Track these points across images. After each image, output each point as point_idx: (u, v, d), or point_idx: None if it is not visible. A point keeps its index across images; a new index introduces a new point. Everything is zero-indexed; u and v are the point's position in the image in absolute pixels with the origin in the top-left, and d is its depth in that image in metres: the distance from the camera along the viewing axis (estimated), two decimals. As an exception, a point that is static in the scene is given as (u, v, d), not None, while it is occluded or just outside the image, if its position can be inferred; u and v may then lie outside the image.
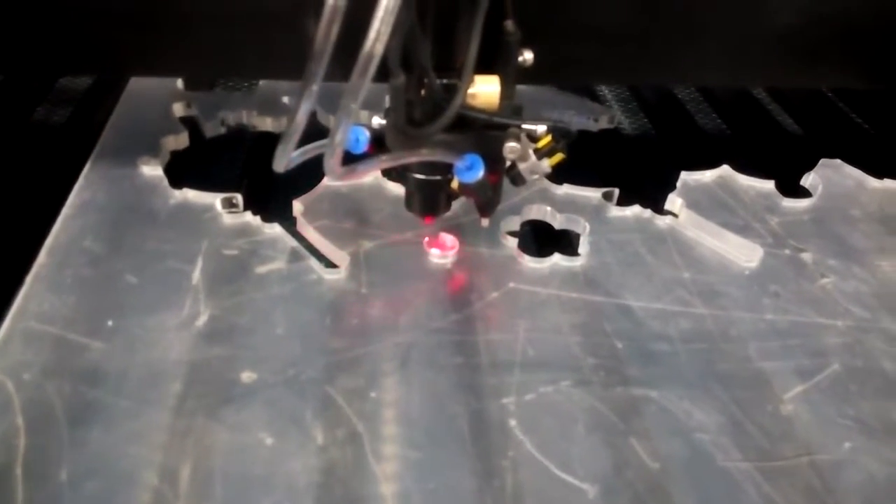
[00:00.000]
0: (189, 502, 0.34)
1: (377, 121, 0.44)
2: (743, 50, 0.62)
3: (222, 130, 0.63)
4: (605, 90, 0.84)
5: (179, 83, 0.67)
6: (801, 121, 0.79)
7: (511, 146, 0.43)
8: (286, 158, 0.38)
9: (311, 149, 0.40)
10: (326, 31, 0.32)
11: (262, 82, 0.69)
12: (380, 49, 0.33)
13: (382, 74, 0.38)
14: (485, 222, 0.50)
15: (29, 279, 0.44)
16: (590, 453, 0.37)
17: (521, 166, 0.45)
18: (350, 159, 0.40)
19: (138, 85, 0.66)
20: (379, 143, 0.44)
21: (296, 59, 0.54)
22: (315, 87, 0.34)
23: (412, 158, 0.43)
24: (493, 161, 0.44)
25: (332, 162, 0.37)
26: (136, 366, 0.40)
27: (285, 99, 0.66)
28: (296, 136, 0.36)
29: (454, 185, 0.47)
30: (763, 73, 0.66)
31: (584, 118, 0.68)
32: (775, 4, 0.58)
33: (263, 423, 0.37)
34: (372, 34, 0.32)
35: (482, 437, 0.37)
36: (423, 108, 0.42)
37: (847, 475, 0.37)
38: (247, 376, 0.40)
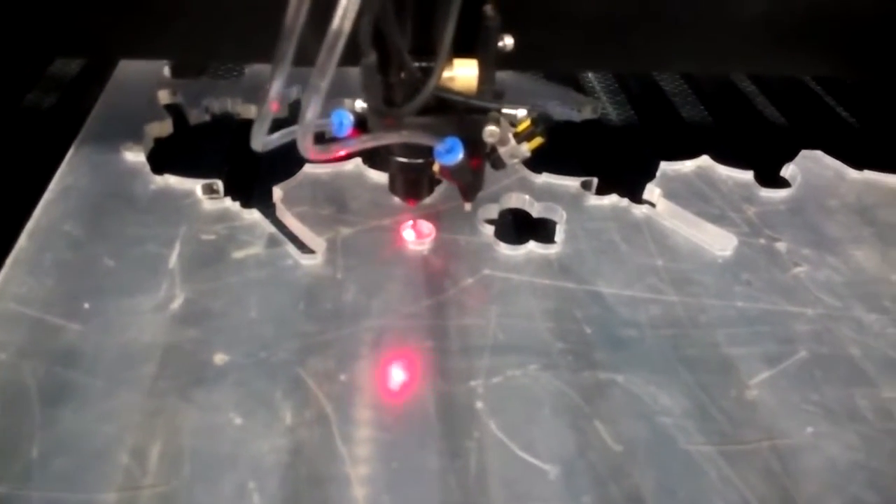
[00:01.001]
0: (157, 479, 0.34)
1: (360, 104, 0.45)
2: (724, 37, 0.62)
3: (207, 118, 0.64)
4: (592, 79, 0.85)
5: (166, 70, 0.67)
6: (786, 111, 0.79)
7: (490, 130, 0.44)
8: (262, 136, 0.38)
9: (291, 131, 0.40)
10: (296, 9, 0.33)
11: (247, 70, 0.69)
12: (347, 26, 0.33)
13: (358, 57, 0.39)
14: (467, 206, 0.50)
15: (9, 262, 0.45)
16: (554, 435, 0.38)
17: (501, 150, 0.46)
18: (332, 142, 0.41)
19: (125, 72, 0.67)
20: (362, 126, 0.44)
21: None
22: (286, 66, 0.34)
23: (389, 140, 0.43)
24: (474, 145, 0.44)
25: (305, 142, 0.38)
26: (110, 347, 0.40)
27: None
28: (269, 115, 0.37)
29: (436, 168, 0.47)
30: (746, 60, 0.66)
31: (568, 108, 0.69)
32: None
33: (233, 403, 0.38)
34: (339, 11, 0.33)
35: (449, 418, 0.38)
36: (401, 90, 0.42)
37: (807, 459, 0.38)
38: (219, 358, 0.40)
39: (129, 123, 0.59)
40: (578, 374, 0.41)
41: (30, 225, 0.48)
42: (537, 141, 0.45)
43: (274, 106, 0.37)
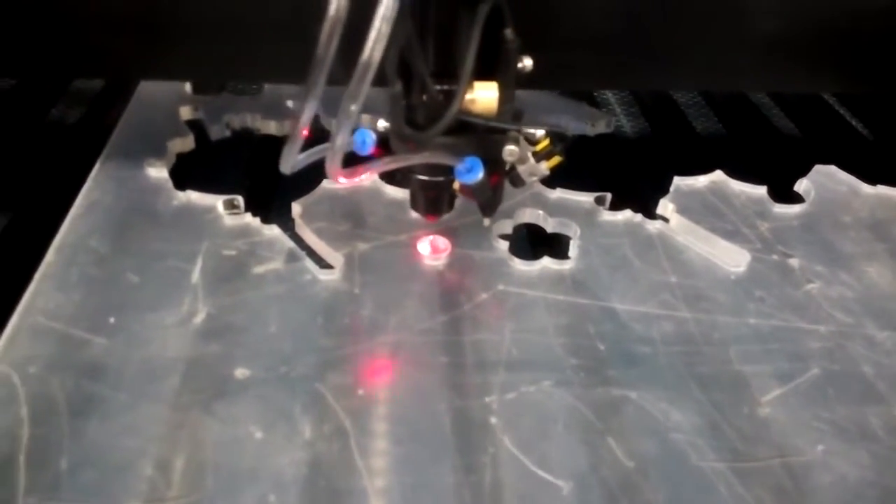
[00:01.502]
0: (181, 492, 0.35)
1: (382, 124, 0.46)
2: (740, 55, 0.63)
3: (227, 134, 0.65)
4: (606, 92, 0.85)
5: (187, 87, 0.68)
6: (800, 124, 0.79)
7: (510, 149, 0.45)
8: (292, 160, 0.40)
9: (317, 151, 0.42)
10: (328, 39, 0.34)
11: (266, 86, 0.70)
12: (377, 56, 0.35)
13: (383, 79, 0.40)
14: (486, 222, 0.51)
15: (37, 276, 0.47)
16: (567, 451, 0.38)
17: (520, 168, 0.47)
18: (356, 161, 0.42)
19: (147, 88, 0.68)
20: (384, 145, 0.46)
21: (299, 64, 0.56)
22: (317, 92, 0.36)
23: (412, 161, 0.45)
24: (494, 163, 0.46)
25: (333, 166, 0.39)
26: (135, 361, 0.42)
27: (289, 103, 0.67)
28: (300, 138, 0.39)
29: (456, 185, 0.49)
30: (760, 78, 0.66)
31: (581, 123, 0.69)
32: (772, 9, 0.59)
33: (254, 417, 0.39)
34: (370, 42, 0.34)
35: (463, 434, 0.39)
36: (424, 112, 0.44)
37: (818, 477, 0.38)
38: (240, 372, 0.41)
39: (152, 139, 0.60)
40: (591, 391, 0.41)
41: (57, 240, 0.49)
42: (556, 159, 0.47)
43: (304, 132, 0.38)
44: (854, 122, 0.79)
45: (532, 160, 0.47)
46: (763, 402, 0.42)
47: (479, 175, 0.44)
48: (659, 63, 0.63)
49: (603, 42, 0.60)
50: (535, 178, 0.48)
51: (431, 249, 0.51)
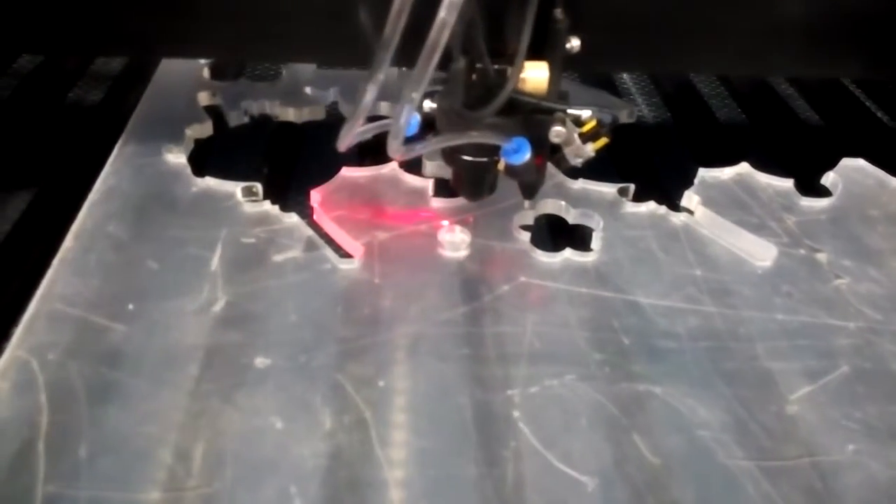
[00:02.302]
0: (201, 481, 0.35)
1: (428, 104, 0.46)
2: (762, 39, 0.61)
3: (245, 120, 0.65)
4: (627, 80, 0.84)
5: (205, 72, 0.68)
6: (823, 113, 0.78)
7: (557, 130, 0.45)
8: (349, 140, 0.41)
9: (371, 128, 0.42)
10: (395, 20, 0.35)
11: (284, 72, 0.70)
12: (444, 38, 0.35)
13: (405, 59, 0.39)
14: (527, 203, 0.52)
15: (55, 262, 0.46)
16: (591, 447, 0.38)
17: (566, 150, 0.47)
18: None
19: (165, 73, 0.68)
20: (429, 125, 0.46)
21: (320, 43, 0.55)
22: (381, 75, 0.36)
23: (462, 140, 0.44)
24: (539, 144, 0.45)
25: (396, 143, 0.40)
26: (154, 349, 0.41)
27: (308, 89, 0.67)
28: (361, 118, 0.39)
29: (500, 166, 0.48)
30: (783, 63, 0.65)
31: (603, 113, 0.68)
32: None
33: (274, 407, 0.39)
34: (437, 24, 0.34)
35: (485, 427, 0.38)
36: (474, 91, 0.44)
37: (848, 477, 0.37)
38: (260, 361, 0.41)
39: (170, 125, 0.60)
40: (616, 385, 0.41)
41: (75, 226, 0.49)
42: (602, 141, 0.47)
43: (363, 115, 0.39)
44: (876, 111, 0.77)
45: (578, 141, 0.47)
46: (791, 399, 0.41)
47: (527, 156, 0.44)
48: (681, 46, 0.62)
49: (623, 24, 0.59)
50: (580, 160, 0.48)
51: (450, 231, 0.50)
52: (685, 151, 0.69)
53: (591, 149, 0.47)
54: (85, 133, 0.67)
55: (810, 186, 0.59)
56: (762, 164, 0.60)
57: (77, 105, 0.73)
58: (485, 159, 0.47)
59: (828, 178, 0.60)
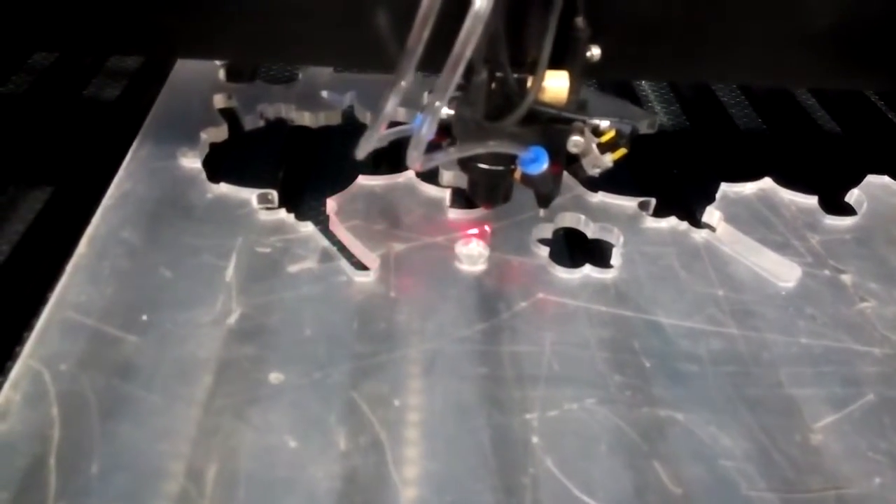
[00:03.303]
0: (213, 502, 0.34)
1: (444, 111, 0.45)
2: (784, 50, 0.60)
3: (261, 124, 0.64)
4: (646, 88, 0.83)
5: (221, 74, 0.67)
6: (845, 124, 0.77)
7: (575, 140, 0.45)
8: (370, 147, 0.41)
9: (389, 134, 0.43)
10: (420, 29, 0.35)
11: (301, 75, 0.69)
12: (470, 50, 0.35)
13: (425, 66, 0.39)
14: (542, 212, 0.51)
15: (69, 269, 0.46)
16: (611, 475, 0.37)
17: (584, 160, 0.47)
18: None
19: (181, 72, 0.67)
20: (446, 132, 0.46)
21: (337, 46, 0.54)
22: (404, 84, 0.36)
23: (482, 149, 0.44)
24: (556, 153, 0.45)
25: (416, 154, 0.40)
26: (167, 361, 0.41)
27: (324, 93, 0.66)
28: (382, 126, 0.39)
29: (516, 175, 0.48)
30: (805, 74, 0.64)
31: (623, 123, 0.67)
32: (818, 4, 0.56)
33: (288, 425, 0.38)
34: (462, 36, 0.34)
35: (503, 452, 0.37)
36: (493, 101, 0.44)
37: (875, 512, 0.36)
38: (274, 377, 0.40)
39: (185, 128, 0.59)
40: (637, 410, 0.40)
41: (89, 231, 0.49)
42: (621, 151, 0.47)
43: (385, 122, 0.39)
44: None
45: (596, 152, 0.46)
46: (815, 428, 0.40)
47: (545, 165, 0.44)
48: (701, 55, 0.61)
49: (644, 32, 0.58)
50: (598, 170, 0.47)
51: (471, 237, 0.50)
52: (705, 163, 0.68)
53: (609, 159, 0.47)
54: (101, 130, 0.66)
55: (834, 202, 0.58)
56: (784, 178, 0.59)
57: (93, 101, 0.72)
58: (501, 168, 0.47)
59: (852, 196, 0.58)
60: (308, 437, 0.37)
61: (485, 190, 0.50)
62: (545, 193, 0.49)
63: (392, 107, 0.38)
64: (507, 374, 0.41)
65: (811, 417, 0.40)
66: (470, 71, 0.42)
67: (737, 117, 0.79)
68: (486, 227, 0.51)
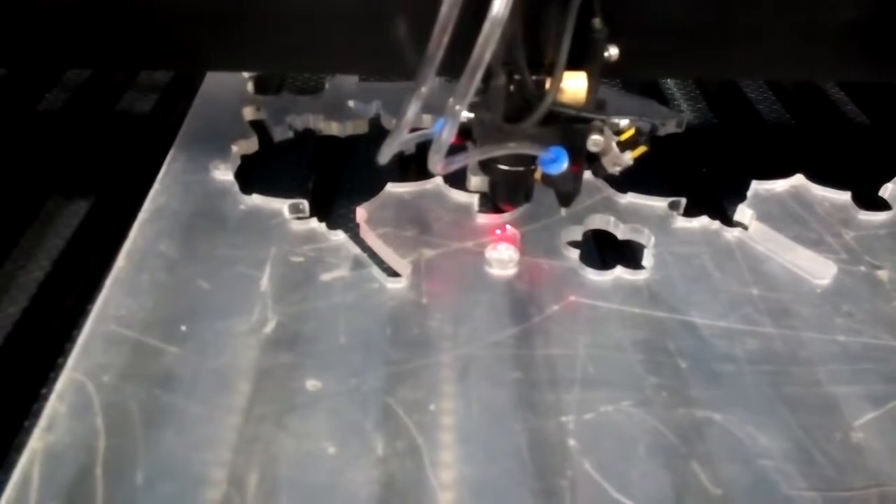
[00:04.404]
0: (256, 508, 0.35)
1: (464, 114, 0.45)
2: (811, 44, 0.59)
3: (290, 135, 0.65)
4: (672, 87, 0.83)
5: (249, 86, 0.68)
6: (874, 118, 0.76)
7: (595, 139, 0.45)
8: (392, 153, 0.41)
9: (411, 139, 0.43)
10: (439, 37, 0.35)
11: (327, 86, 0.70)
12: (488, 54, 0.35)
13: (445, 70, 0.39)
14: (563, 212, 0.52)
15: (108, 282, 0.47)
16: (650, 476, 0.37)
17: (604, 158, 0.47)
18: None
19: (211, 85, 0.68)
20: (466, 134, 0.46)
21: (359, 56, 0.54)
22: (424, 90, 0.37)
23: (502, 151, 0.45)
24: (576, 153, 0.45)
25: (437, 157, 0.40)
26: (207, 371, 0.41)
27: (351, 103, 0.67)
28: (403, 132, 0.40)
29: (537, 175, 0.48)
30: (830, 67, 0.63)
31: (650, 122, 0.67)
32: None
33: (327, 432, 0.38)
34: (481, 40, 0.35)
35: (540, 455, 0.38)
36: (512, 103, 0.44)
37: (920, 510, 0.36)
38: (311, 384, 0.41)
39: (216, 140, 0.60)
40: (673, 412, 0.40)
41: (127, 244, 0.50)
42: (640, 149, 0.46)
43: (406, 129, 0.39)
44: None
45: (616, 150, 0.46)
46: (856, 426, 0.40)
47: (564, 165, 0.44)
48: (726, 51, 0.60)
49: (668, 28, 0.58)
50: (618, 168, 0.47)
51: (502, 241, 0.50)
52: (735, 160, 0.68)
53: (629, 157, 0.46)
54: (135, 143, 0.68)
55: (868, 198, 0.58)
56: (816, 174, 0.58)
57: (126, 115, 0.74)
58: (521, 168, 0.48)
59: (886, 191, 0.58)
60: (346, 443, 0.38)
61: (505, 190, 0.51)
62: (566, 192, 0.49)
63: (413, 112, 0.38)
64: (542, 378, 0.42)
65: (851, 415, 0.40)
66: (489, 75, 0.43)
67: (764, 113, 0.78)
68: (516, 231, 0.51)
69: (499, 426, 0.39)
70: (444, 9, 0.34)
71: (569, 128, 0.45)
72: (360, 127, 0.65)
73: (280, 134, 0.64)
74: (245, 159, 0.61)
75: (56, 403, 0.39)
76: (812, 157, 0.67)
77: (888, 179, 0.58)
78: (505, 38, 0.38)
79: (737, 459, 0.38)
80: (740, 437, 0.39)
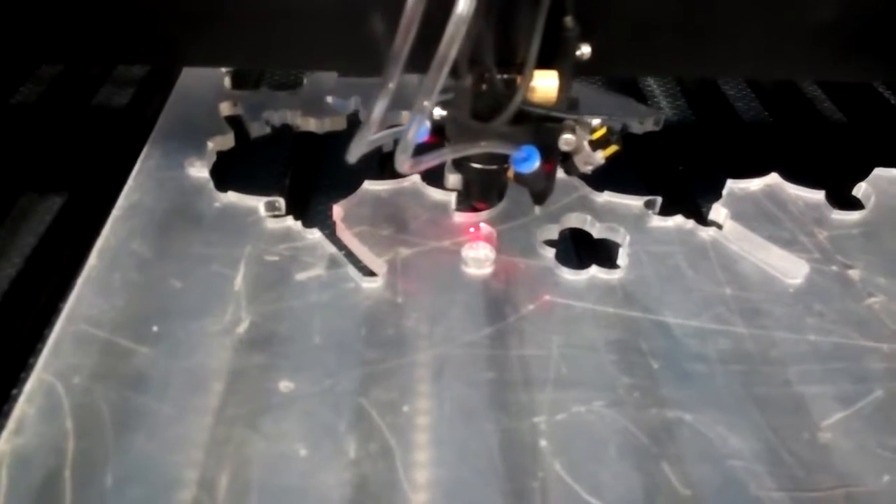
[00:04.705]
0: (226, 511, 0.35)
1: (438, 112, 0.46)
2: (788, 43, 0.60)
3: (267, 130, 0.64)
4: (651, 84, 0.83)
5: (226, 81, 0.68)
6: (851, 116, 0.76)
7: (566, 138, 0.45)
8: (360, 151, 0.41)
9: (378, 138, 0.42)
10: (405, 34, 0.35)
11: (305, 81, 0.69)
12: (453, 53, 0.35)
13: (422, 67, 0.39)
14: (537, 210, 0.52)
15: (80, 281, 0.46)
16: (620, 477, 0.37)
17: (576, 157, 0.47)
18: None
19: (187, 80, 0.67)
20: (439, 132, 0.46)
21: (338, 52, 0.54)
22: (391, 86, 0.37)
23: (473, 150, 0.45)
24: (548, 151, 0.46)
25: (404, 157, 0.40)
26: (179, 372, 0.41)
27: (329, 99, 0.66)
28: (371, 131, 0.39)
29: (509, 174, 0.48)
30: (809, 66, 0.63)
31: (629, 120, 0.67)
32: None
33: (299, 434, 0.38)
34: (446, 38, 0.34)
35: (512, 456, 0.38)
36: (483, 101, 0.44)
37: (885, 510, 0.36)
38: (284, 386, 0.41)
39: (192, 137, 0.59)
40: (645, 412, 0.40)
41: (99, 243, 0.49)
42: (612, 148, 0.47)
43: (374, 127, 0.39)
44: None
45: (588, 149, 0.47)
46: (824, 426, 0.40)
47: (536, 164, 0.45)
48: (703, 49, 0.60)
49: (647, 26, 0.58)
50: (590, 168, 0.48)
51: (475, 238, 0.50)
52: (712, 157, 0.68)
53: (601, 156, 0.47)
54: (111, 137, 0.67)
55: (841, 196, 0.58)
56: (792, 171, 0.59)
57: (102, 108, 0.73)
58: (494, 167, 0.48)
59: (860, 190, 0.58)
60: (318, 445, 0.38)
61: (479, 189, 0.51)
62: (539, 191, 0.50)
63: (380, 110, 0.38)
64: (515, 378, 0.42)
65: (819, 415, 0.40)
66: (456, 74, 0.43)
67: (742, 110, 0.79)
68: (492, 229, 0.51)
69: (472, 427, 0.39)
70: (410, 4, 0.34)
71: (540, 126, 0.45)
72: (338, 123, 0.65)
73: (257, 130, 0.64)
74: (221, 155, 0.60)
75: (25, 405, 0.39)
76: (789, 154, 0.68)
77: (863, 177, 0.59)
78: (472, 37, 0.38)
79: (707, 460, 0.38)
80: (710, 437, 0.39)
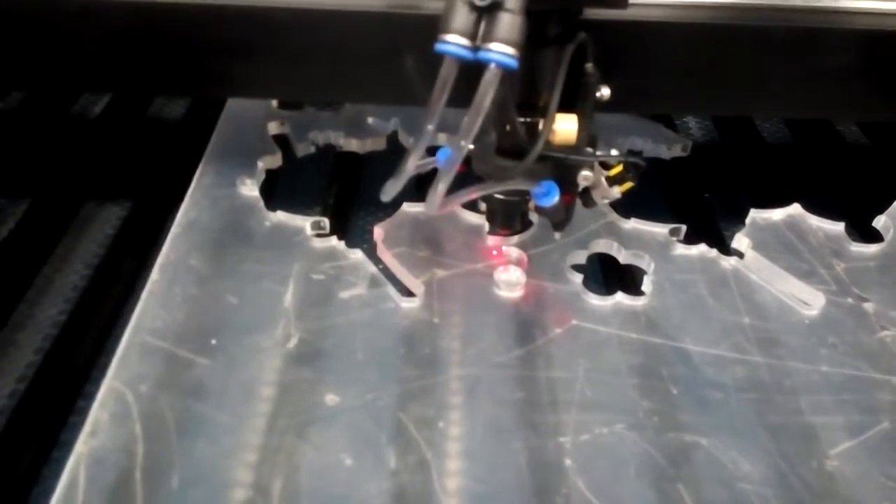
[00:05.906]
0: (279, 514, 0.39)
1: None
2: (820, 84, 0.61)
3: (312, 150, 0.68)
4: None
5: (274, 102, 0.71)
6: (878, 144, 0.78)
7: (585, 174, 0.50)
8: (396, 191, 0.45)
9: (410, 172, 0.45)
10: (439, 96, 0.39)
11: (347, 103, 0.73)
12: (488, 102, 0.39)
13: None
14: (557, 236, 0.56)
15: (144, 295, 0.50)
16: (639, 496, 0.40)
17: (593, 192, 0.51)
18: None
19: (235, 103, 0.71)
20: (466, 163, 0.49)
21: (377, 87, 0.57)
22: (425, 142, 0.41)
23: (496, 188, 0.50)
24: (568, 184, 0.50)
25: (435, 199, 0.44)
26: (235, 383, 0.45)
27: (370, 120, 0.70)
28: (406, 176, 0.43)
29: (531, 206, 0.53)
30: (836, 109, 0.65)
31: (657, 146, 0.70)
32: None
33: (344, 444, 0.42)
34: (482, 89, 0.39)
35: (539, 472, 0.41)
36: (508, 140, 0.48)
37: (885, 537, 0.39)
38: (330, 399, 0.44)
39: (243, 156, 0.63)
40: (664, 436, 0.43)
41: (160, 258, 0.53)
42: (627, 185, 0.51)
43: (406, 177, 0.43)
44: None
45: (605, 184, 0.51)
46: (831, 454, 0.43)
47: (555, 198, 0.49)
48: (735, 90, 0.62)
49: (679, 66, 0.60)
50: (606, 201, 0.52)
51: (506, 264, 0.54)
52: (737, 182, 0.71)
53: (617, 191, 0.51)
54: (167, 148, 0.72)
55: (862, 227, 0.60)
56: (816, 199, 0.61)
57: (156, 120, 0.78)
58: (517, 198, 0.53)
59: (879, 222, 0.60)
60: (362, 456, 0.42)
61: (502, 218, 0.55)
62: (558, 221, 0.54)
63: (413, 163, 0.42)
64: (543, 399, 0.45)
65: (828, 444, 0.43)
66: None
67: (768, 133, 0.81)
68: (523, 254, 0.55)
69: (501, 444, 0.42)
70: (443, 71, 0.38)
71: (560, 164, 0.49)
72: (378, 143, 0.69)
73: (303, 149, 0.67)
74: (268, 172, 0.64)
75: (99, 410, 0.43)
76: (812, 181, 0.70)
77: (887, 205, 0.61)
78: (496, 103, 0.41)
79: (719, 482, 0.41)
80: (724, 461, 0.42)
